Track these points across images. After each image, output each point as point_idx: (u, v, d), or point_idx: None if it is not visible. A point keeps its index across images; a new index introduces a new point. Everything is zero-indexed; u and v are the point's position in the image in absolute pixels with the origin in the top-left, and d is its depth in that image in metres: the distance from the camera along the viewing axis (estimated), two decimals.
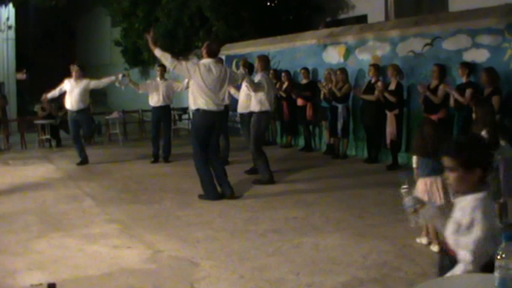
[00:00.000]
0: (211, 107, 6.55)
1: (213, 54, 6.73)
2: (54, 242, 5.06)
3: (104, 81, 9.68)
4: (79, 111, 9.30)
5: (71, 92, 9.27)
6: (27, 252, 4.79)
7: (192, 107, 6.72)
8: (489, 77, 6.98)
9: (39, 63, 27.72)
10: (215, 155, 6.84)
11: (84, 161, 9.51)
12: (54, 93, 9.69)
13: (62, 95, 9.71)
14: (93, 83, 9.52)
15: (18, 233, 5.36)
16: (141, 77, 18.27)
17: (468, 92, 7.29)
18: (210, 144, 6.72)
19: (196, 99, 6.57)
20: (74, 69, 9.45)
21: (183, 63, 6.64)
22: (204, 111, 6.55)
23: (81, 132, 9.79)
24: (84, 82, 9.37)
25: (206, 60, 6.66)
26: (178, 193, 7.09)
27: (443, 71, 7.74)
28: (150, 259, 4.57)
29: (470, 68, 7.44)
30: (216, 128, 6.73)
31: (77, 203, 6.71)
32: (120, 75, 9.65)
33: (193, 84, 6.60)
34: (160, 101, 9.58)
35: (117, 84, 9.76)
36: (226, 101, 7.93)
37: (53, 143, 11.99)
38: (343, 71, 9.50)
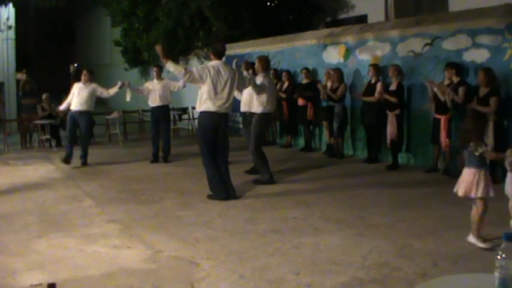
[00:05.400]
0: (217, 108, 6.50)
1: (218, 54, 6.65)
2: (54, 242, 5.06)
3: (110, 92, 9.59)
4: (81, 113, 9.29)
5: (79, 93, 9.32)
6: (27, 252, 4.78)
7: (198, 109, 6.64)
8: (487, 77, 6.92)
9: (39, 63, 27.74)
10: (222, 155, 6.80)
11: (67, 158, 9.26)
12: (65, 105, 9.69)
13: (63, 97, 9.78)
14: (100, 90, 9.47)
15: (18, 233, 5.36)
16: (141, 77, 18.30)
17: (461, 90, 7.29)
18: (218, 145, 6.69)
19: (204, 101, 6.50)
20: (83, 73, 9.56)
21: (194, 71, 6.50)
22: (210, 112, 6.51)
23: (77, 133, 9.75)
24: (92, 86, 9.42)
25: (215, 62, 6.61)
26: (178, 193, 7.08)
27: (460, 71, 7.57)
28: (150, 259, 4.57)
29: (458, 68, 7.47)
30: (221, 128, 6.69)
31: (77, 203, 6.71)
32: (119, 84, 9.58)
33: (202, 87, 6.50)
34: (158, 101, 9.58)
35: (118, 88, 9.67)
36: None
37: (53, 143, 11.99)
38: (338, 70, 9.49)
